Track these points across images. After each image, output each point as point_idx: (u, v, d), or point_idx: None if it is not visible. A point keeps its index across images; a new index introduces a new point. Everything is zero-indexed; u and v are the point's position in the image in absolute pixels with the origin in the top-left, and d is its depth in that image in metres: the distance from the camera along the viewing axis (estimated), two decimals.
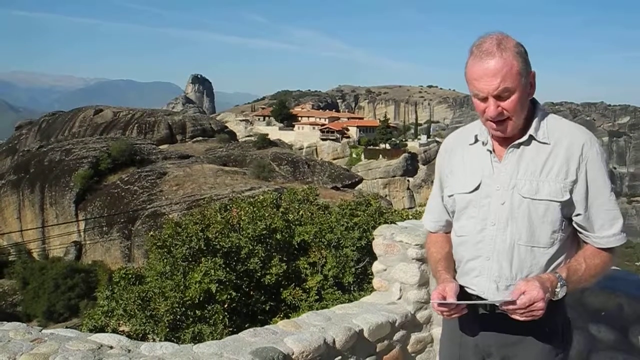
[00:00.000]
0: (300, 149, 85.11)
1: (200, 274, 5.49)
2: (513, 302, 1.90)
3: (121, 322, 6.00)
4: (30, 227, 45.05)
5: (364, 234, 6.13)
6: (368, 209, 6.95)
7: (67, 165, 45.36)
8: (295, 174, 49.44)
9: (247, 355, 2.61)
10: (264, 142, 58.32)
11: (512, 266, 2.06)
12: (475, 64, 1.97)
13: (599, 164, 2.02)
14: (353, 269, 5.99)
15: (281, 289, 5.91)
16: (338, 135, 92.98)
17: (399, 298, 3.63)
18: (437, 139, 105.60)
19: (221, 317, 5.47)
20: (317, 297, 5.83)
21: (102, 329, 5.74)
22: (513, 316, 1.93)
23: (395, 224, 3.98)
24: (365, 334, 3.20)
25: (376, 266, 3.83)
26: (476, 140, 2.17)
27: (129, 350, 2.61)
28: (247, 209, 6.48)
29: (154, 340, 5.34)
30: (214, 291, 5.48)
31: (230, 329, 5.34)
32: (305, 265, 6.12)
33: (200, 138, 59.11)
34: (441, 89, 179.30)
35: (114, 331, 5.50)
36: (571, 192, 2.01)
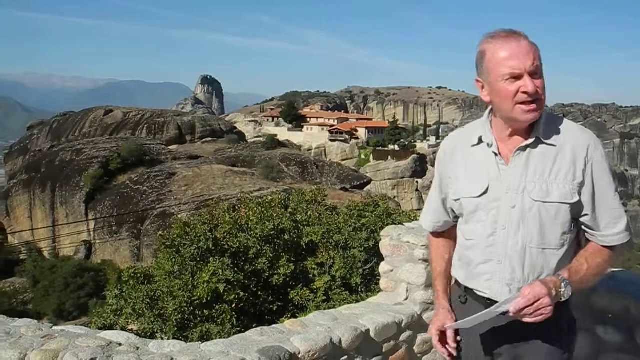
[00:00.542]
0: (309, 149, 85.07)
1: (209, 274, 5.51)
2: (519, 304, 1.90)
3: (130, 320, 6.03)
4: (41, 226, 45.33)
5: (372, 235, 6.13)
6: (376, 210, 6.96)
7: (78, 165, 45.61)
8: (304, 175, 49.46)
9: (253, 354, 2.63)
10: (273, 142, 58.42)
11: (524, 269, 2.06)
12: (505, 45, 1.97)
13: (603, 164, 2.04)
14: (361, 270, 6.00)
15: (289, 290, 5.93)
16: (347, 136, 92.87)
17: (406, 299, 3.64)
18: None
19: (229, 316, 5.50)
20: (324, 297, 5.84)
21: (111, 328, 5.77)
22: (524, 320, 1.93)
23: (403, 225, 4.00)
24: (372, 334, 3.21)
25: (383, 267, 3.84)
26: (480, 142, 2.15)
27: (138, 348, 2.64)
28: (255, 209, 6.50)
29: (162, 339, 5.37)
30: (221, 291, 5.50)
31: (238, 329, 5.35)
32: (313, 266, 6.13)
33: (210, 139, 59.23)
34: (450, 90, 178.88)
35: (123, 329, 5.53)
36: (579, 193, 2.02)
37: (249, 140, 67.57)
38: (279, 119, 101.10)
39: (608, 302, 2.81)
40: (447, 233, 2.39)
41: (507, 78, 1.97)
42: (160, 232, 6.97)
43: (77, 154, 47.42)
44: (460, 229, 2.26)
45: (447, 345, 2.24)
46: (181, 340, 4.14)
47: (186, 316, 5.64)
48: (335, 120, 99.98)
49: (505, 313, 1.98)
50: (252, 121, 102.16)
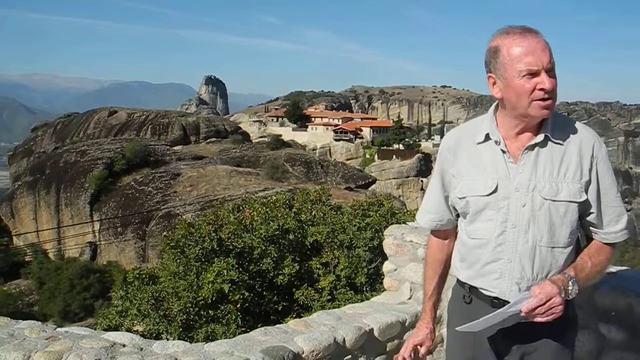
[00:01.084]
0: (314, 149, 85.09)
1: (213, 274, 5.52)
2: (531, 304, 1.89)
3: (135, 321, 6.05)
4: (46, 228, 45.55)
5: (376, 235, 6.12)
6: (380, 210, 6.95)
7: (82, 167, 45.77)
8: (308, 175, 49.52)
9: (257, 353, 2.64)
10: (278, 142, 58.49)
11: (534, 267, 2.06)
12: (522, 41, 1.95)
13: (607, 163, 2.06)
14: (365, 270, 6.00)
15: (294, 289, 5.93)
16: (351, 136, 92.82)
17: (409, 298, 3.65)
18: None
19: (234, 317, 5.50)
20: (329, 297, 5.85)
21: (116, 329, 5.78)
22: (536, 319, 1.93)
23: (406, 224, 4.00)
24: (376, 334, 3.22)
25: (387, 266, 3.85)
26: (487, 139, 2.12)
27: (141, 349, 2.65)
28: (259, 209, 6.51)
29: (167, 339, 5.39)
30: (226, 291, 5.51)
31: (243, 329, 5.35)
32: (318, 266, 6.14)
33: (214, 139, 59.36)
34: (455, 89, 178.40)
35: (128, 331, 5.55)
36: (587, 191, 2.03)
37: (253, 141, 67.66)
38: (284, 118, 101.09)
39: (612, 300, 2.81)
40: (447, 233, 2.35)
41: (524, 75, 1.94)
42: (165, 233, 6.98)
43: (82, 155, 47.59)
44: (464, 227, 2.22)
45: None
46: (187, 340, 4.16)
47: (191, 317, 5.65)
48: (340, 120, 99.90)
49: (515, 314, 1.97)
50: (257, 121, 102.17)
